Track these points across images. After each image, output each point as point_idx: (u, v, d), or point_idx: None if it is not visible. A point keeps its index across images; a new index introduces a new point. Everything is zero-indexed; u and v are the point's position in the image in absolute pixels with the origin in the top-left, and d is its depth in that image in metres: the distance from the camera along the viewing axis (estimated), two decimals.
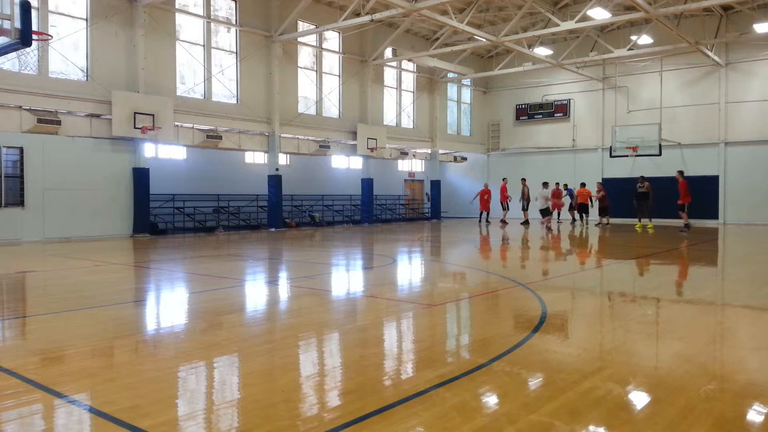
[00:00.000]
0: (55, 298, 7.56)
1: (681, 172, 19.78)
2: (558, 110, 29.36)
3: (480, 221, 24.83)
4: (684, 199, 19.21)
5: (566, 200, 24.10)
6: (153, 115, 17.48)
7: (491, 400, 3.70)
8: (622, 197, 25.95)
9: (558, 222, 24.33)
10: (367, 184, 26.10)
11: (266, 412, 3.46)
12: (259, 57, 21.26)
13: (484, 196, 24.98)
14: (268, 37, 21.38)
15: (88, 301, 7.31)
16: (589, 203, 23.49)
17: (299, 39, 22.47)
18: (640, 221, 21.40)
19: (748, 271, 11.07)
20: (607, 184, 27.50)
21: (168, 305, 7.43)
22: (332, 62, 24.59)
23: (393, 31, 25.15)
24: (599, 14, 19.73)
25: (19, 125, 15.47)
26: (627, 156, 25.08)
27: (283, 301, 7.79)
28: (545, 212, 21.86)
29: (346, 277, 9.99)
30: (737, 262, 12.68)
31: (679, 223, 20.41)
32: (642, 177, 22.01)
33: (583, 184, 23.96)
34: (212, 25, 20.15)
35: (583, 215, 23.74)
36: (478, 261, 12.97)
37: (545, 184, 22.50)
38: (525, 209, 24.78)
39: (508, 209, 24.99)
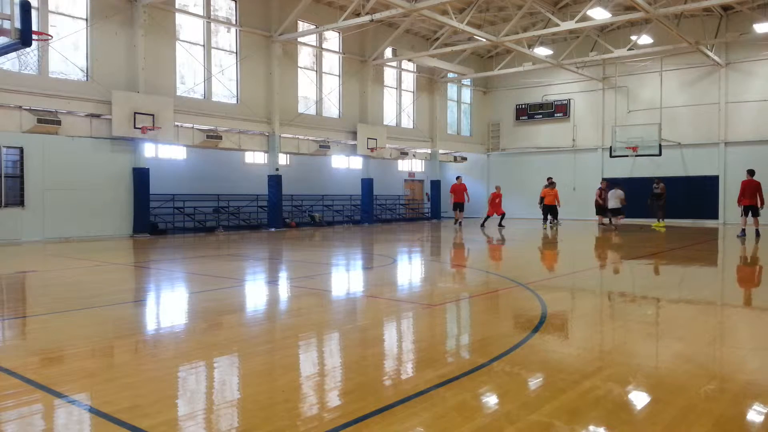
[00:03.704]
0: (55, 298, 7.56)
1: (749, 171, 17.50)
2: (558, 110, 29.35)
3: (500, 224, 22.81)
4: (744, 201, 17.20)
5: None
6: (153, 115, 17.48)
7: (491, 400, 3.70)
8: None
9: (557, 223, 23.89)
10: (367, 184, 26.10)
11: (266, 412, 3.46)
12: (259, 57, 21.26)
13: (495, 200, 23.01)
14: (268, 37, 21.38)
15: (88, 301, 7.31)
16: (557, 204, 22.37)
17: (299, 39, 22.47)
18: (659, 221, 21.42)
19: (748, 271, 11.09)
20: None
21: (168, 305, 7.43)
22: (332, 62, 24.59)
23: (393, 31, 25.15)
24: (599, 14, 19.73)
25: (19, 125, 15.48)
26: (627, 156, 25.09)
27: (283, 301, 7.79)
28: (616, 211, 21.20)
29: (346, 277, 9.99)
30: (737, 262, 12.67)
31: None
32: (658, 179, 22.02)
33: (552, 184, 22.75)
34: (212, 25, 20.15)
35: (549, 216, 22.41)
36: (478, 261, 12.97)
37: (616, 185, 21.73)
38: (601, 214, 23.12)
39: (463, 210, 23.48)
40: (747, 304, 7.55)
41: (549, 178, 23.44)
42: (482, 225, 22.82)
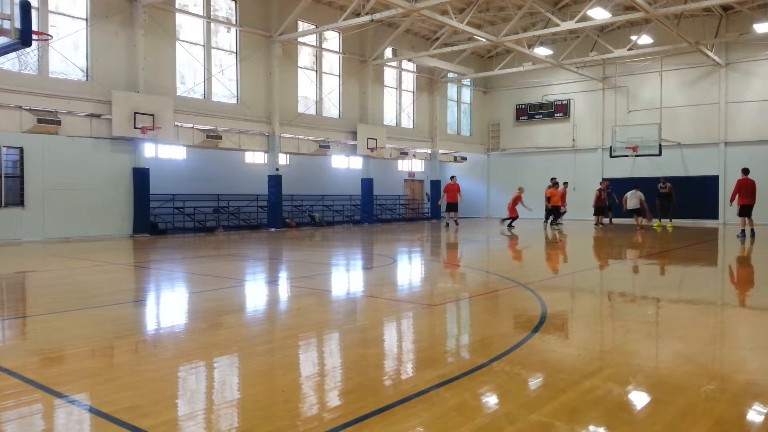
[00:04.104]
0: (55, 298, 7.56)
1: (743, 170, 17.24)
2: (558, 110, 29.35)
3: (510, 225, 21.94)
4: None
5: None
6: (153, 115, 17.48)
7: (491, 400, 3.70)
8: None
9: (559, 224, 23.25)
10: (367, 184, 26.10)
11: (266, 412, 3.46)
12: (259, 57, 21.26)
13: (517, 202, 21.94)
14: (268, 37, 21.38)
15: (88, 301, 7.31)
16: (561, 205, 22.14)
17: (299, 39, 22.47)
18: (660, 221, 21.50)
19: (748, 271, 11.09)
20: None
21: (168, 305, 7.43)
22: (332, 62, 24.59)
23: (393, 31, 25.15)
24: (599, 14, 19.73)
25: (19, 125, 15.48)
26: (627, 156, 25.08)
27: (283, 301, 7.79)
28: (639, 212, 21.19)
29: (346, 277, 9.99)
30: (737, 262, 12.67)
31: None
32: (664, 178, 22.02)
33: (556, 184, 22.46)
34: (212, 25, 20.15)
35: (550, 217, 22.14)
36: (478, 261, 12.97)
37: (636, 186, 21.65)
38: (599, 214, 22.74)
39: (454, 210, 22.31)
40: (747, 304, 7.55)
41: (553, 179, 23.26)
42: (510, 226, 22.09)
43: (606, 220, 23.08)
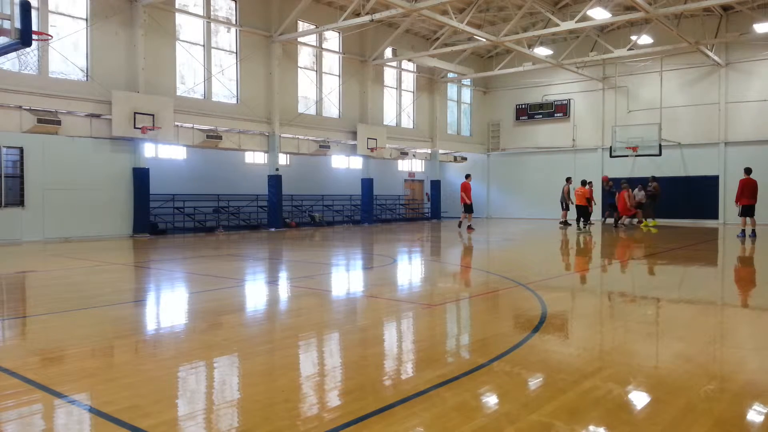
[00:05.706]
0: (55, 298, 7.56)
1: (746, 170, 17.02)
2: (558, 110, 29.34)
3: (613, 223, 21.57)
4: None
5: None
6: (153, 115, 17.48)
7: (491, 400, 3.71)
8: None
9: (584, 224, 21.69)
10: (367, 184, 26.10)
11: (266, 412, 3.46)
12: (259, 57, 21.26)
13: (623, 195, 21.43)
14: (268, 37, 21.38)
15: (88, 301, 7.31)
16: (587, 204, 21.55)
17: (299, 39, 22.47)
18: (645, 220, 21.58)
19: (748, 271, 11.09)
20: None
21: (168, 305, 7.43)
22: (332, 62, 24.59)
23: (393, 31, 25.15)
24: (599, 14, 19.73)
25: (19, 125, 15.47)
26: (627, 156, 25.08)
27: (283, 301, 7.79)
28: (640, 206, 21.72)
29: (346, 277, 9.99)
30: (737, 262, 12.67)
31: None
32: (652, 178, 22.05)
33: (583, 182, 21.86)
34: (212, 25, 20.15)
35: (582, 218, 21.36)
36: (478, 261, 12.97)
37: (641, 187, 21.61)
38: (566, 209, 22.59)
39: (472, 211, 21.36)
40: (747, 305, 7.55)
41: (568, 178, 23.11)
42: (633, 224, 21.86)
43: (601, 220, 23.02)
